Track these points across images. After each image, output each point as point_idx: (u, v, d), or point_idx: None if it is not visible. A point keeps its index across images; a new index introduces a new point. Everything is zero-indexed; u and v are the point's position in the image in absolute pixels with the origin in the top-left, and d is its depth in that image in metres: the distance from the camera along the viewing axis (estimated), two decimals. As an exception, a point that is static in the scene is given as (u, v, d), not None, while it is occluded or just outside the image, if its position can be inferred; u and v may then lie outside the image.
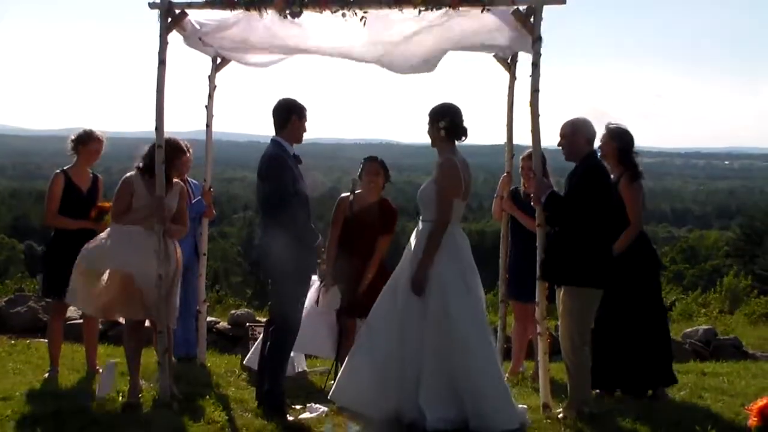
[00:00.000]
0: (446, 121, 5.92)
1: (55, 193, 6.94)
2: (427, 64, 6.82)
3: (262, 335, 6.55)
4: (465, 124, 6.01)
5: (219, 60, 7.40)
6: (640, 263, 6.63)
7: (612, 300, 6.32)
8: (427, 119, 6.03)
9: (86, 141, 7.07)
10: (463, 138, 6.02)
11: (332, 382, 6.80)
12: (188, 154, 7.03)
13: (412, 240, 6.02)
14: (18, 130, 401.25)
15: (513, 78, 7.22)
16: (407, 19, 6.29)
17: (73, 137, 7.11)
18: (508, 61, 7.18)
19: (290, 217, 5.81)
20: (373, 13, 6.16)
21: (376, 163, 6.97)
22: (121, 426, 5.63)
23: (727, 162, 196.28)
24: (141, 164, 6.28)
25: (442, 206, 5.83)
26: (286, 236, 5.76)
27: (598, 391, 6.62)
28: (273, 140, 6.02)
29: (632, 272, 6.52)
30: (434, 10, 6.09)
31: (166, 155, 6.18)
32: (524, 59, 6.87)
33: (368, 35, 6.44)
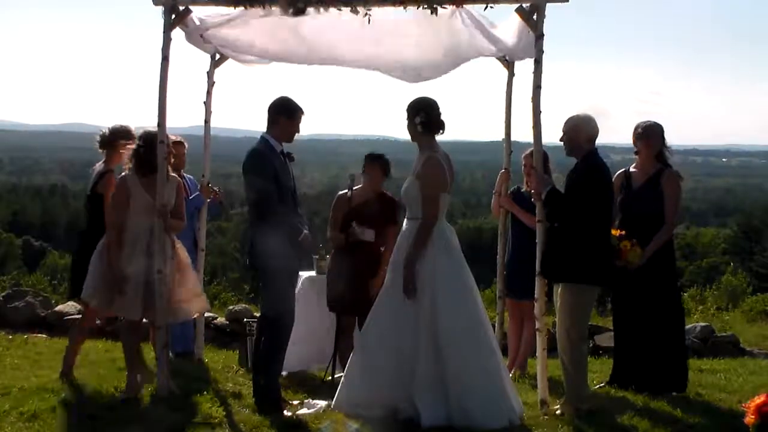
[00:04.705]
0: (422, 116, 5.91)
1: None
2: (426, 72, 6.85)
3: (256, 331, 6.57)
4: (441, 117, 5.96)
5: (218, 56, 7.40)
6: (665, 262, 6.68)
7: (634, 299, 6.57)
8: (405, 115, 5.99)
9: None
10: (441, 131, 5.99)
11: (330, 378, 6.83)
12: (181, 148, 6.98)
13: (399, 240, 6.02)
14: (16, 125, 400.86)
15: (511, 74, 7.24)
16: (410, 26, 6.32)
17: None
18: (507, 58, 7.18)
19: (272, 212, 5.82)
20: (377, 16, 6.16)
21: (376, 164, 6.98)
22: (118, 421, 5.64)
23: (725, 159, 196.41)
24: (131, 164, 6.30)
25: (429, 203, 5.83)
26: (268, 231, 5.78)
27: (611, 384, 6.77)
28: (261, 136, 6.07)
29: (656, 271, 6.58)
30: (439, 8, 6.08)
31: (149, 147, 6.20)
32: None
33: (370, 37, 6.44)
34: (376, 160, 7.00)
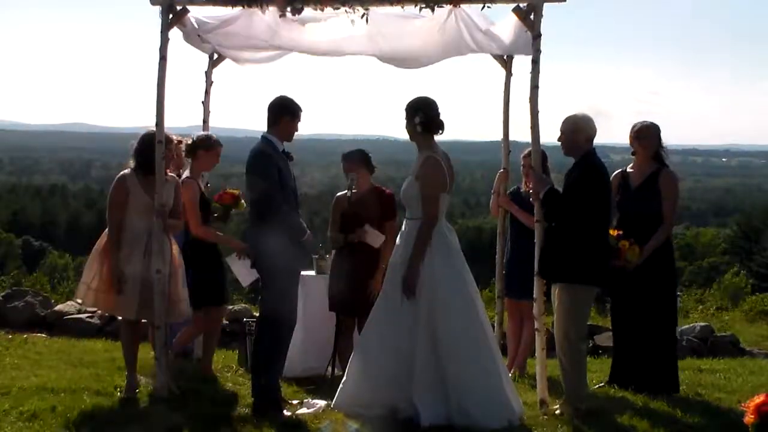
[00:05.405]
0: (420, 116, 5.90)
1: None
2: (424, 60, 6.89)
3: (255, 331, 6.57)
4: (440, 117, 5.95)
5: (216, 56, 7.41)
6: (664, 263, 6.69)
7: (633, 299, 6.59)
8: (404, 115, 5.98)
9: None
10: (440, 132, 5.98)
11: (329, 377, 6.83)
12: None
13: (399, 240, 6.02)
14: (16, 125, 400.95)
15: (509, 74, 7.24)
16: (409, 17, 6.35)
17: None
18: (504, 57, 7.19)
19: (275, 212, 5.82)
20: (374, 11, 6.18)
21: (350, 162, 6.97)
22: (118, 421, 5.64)
23: (724, 159, 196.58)
24: (134, 162, 6.30)
25: (429, 203, 5.83)
26: (271, 231, 5.77)
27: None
28: (262, 136, 6.05)
29: (656, 272, 6.59)
30: (436, 7, 6.09)
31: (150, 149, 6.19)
32: (521, 56, 6.93)
33: (367, 30, 6.46)
34: (354, 159, 6.98)
